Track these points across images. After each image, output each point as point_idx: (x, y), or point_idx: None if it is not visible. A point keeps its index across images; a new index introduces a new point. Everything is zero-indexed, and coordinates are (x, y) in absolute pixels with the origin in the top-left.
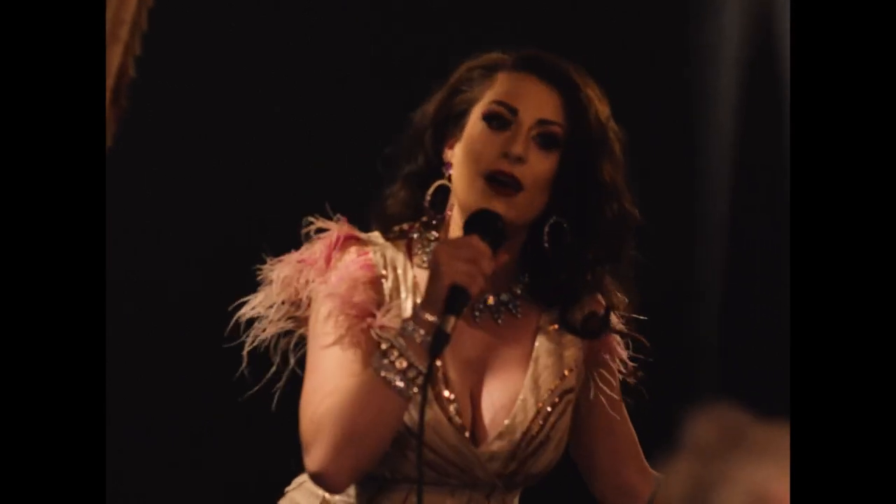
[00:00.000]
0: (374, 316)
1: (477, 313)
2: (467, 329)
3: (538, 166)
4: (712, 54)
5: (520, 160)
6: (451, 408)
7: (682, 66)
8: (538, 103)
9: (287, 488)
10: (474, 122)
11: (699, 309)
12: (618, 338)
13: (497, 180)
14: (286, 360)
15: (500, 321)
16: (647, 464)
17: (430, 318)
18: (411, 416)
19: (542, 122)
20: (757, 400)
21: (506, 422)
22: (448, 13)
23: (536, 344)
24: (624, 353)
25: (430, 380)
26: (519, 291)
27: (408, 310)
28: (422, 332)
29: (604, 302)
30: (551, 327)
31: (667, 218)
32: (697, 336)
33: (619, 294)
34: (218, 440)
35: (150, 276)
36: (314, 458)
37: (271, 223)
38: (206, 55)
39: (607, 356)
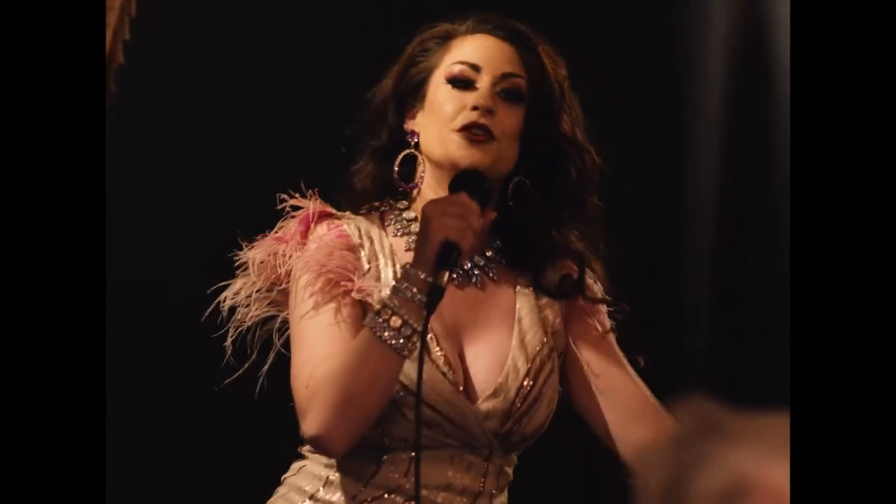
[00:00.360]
0: (352, 280)
1: (455, 277)
2: (448, 293)
3: (506, 120)
4: (701, 45)
5: (490, 112)
6: (443, 365)
7: (673, 57)
8: (499, 59)
9: (285, 476)
10: (437, 87)
11: (690, 303)
12: (598, 295)
13: (470, 130)
14: (269, 345)
15: (477, 285)
16: (665, 418)
17: (422, 275)
18: (407, 374)
19: (505, 76)
20: (753, 395)
21: (498, 380)
22: (449, 14)
23: (518, 305)
24: (605, 312)
25: (417, 331)
26: (492, 255)
27: (388, 275)
28: (414, 289)
29: (576, 266)
30: (528, 289)
31: (657, 209)
32: (690, 330)
33: (589, 252)
34: (217, 439)
35: (142, 270)
36: (312, 420)
37: (269, 217)
38: (197, 44)
39: (591, 320)
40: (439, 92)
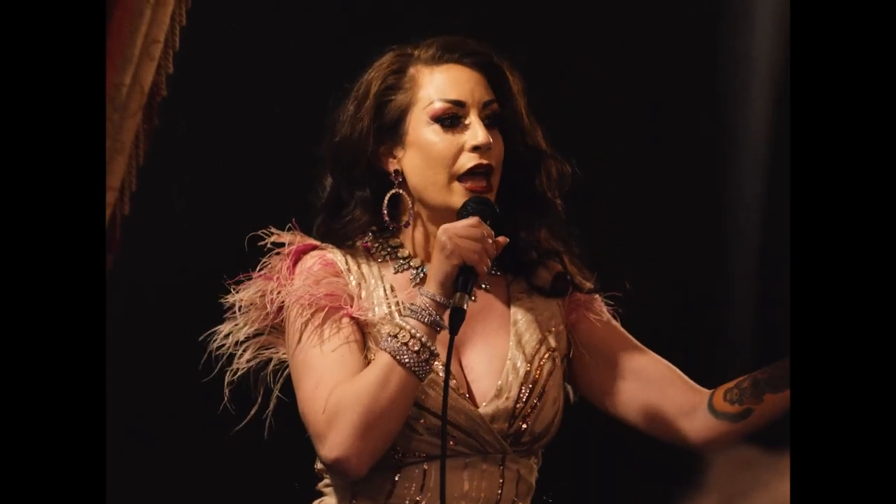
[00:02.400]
0: (344, 303)
1: (415, 282)
2: (376, 297)
3: (496, 147)
4: (744, 57)
5: (489, 147)
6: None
7: (715, 69)
8: (476, 89)
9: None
10: (420, 126)
11: (730, 313)
12: (589, 286)
13: (474, 174)
14: (269, 390)
15: (473, 297)
16: (691, 385)
17: (439, 298)
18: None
19: (486, 105)
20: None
21: (499, 382)
22: (451, 15)
23: (512, 310)
24: (600, 300)
25: (435, 354)
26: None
27: (380, 294)
28: (432, 312)
29: (559, 264)
30: (521, 294)
31: (698, 220)
32: (728, 339)
33: (567, 248)
34: (217, 440)
35: (155, 279)
36: (333, 444)
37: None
38: (236, 70)
39: (588, 313)
40: (426, 133)
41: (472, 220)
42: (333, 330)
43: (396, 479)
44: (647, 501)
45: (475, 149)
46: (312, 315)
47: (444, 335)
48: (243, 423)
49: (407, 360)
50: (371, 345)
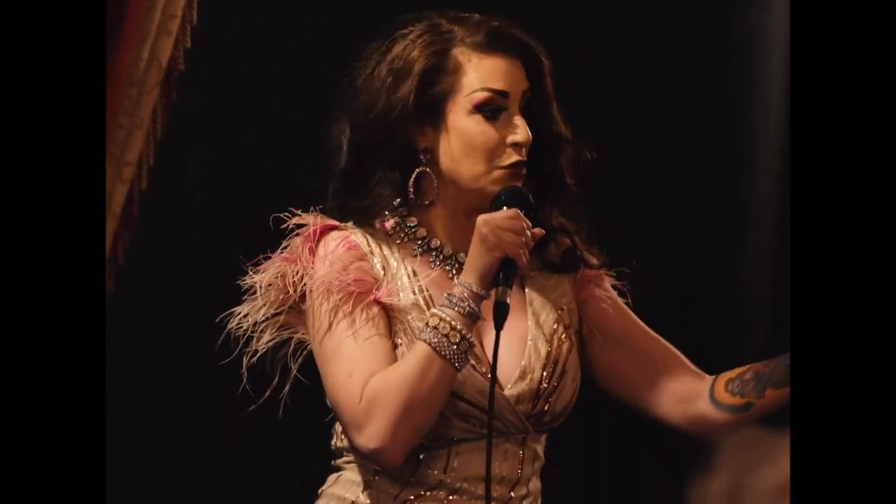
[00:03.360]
0: (373, 289)
1: (455, 266)
2: (402, 282)
3: (529, 135)
4: (760, 45)
5: (529, 144)
6: (472, 359)
7: (730, 55)
8: (519, 80)
9: (322, 488)
10: (461, 114)
11: (748, 299)
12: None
13: (515, 168)
14: (286, 370)
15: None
16: (694, 370)
17: (478, 289)
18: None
19: (523, 94)
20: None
21: (522, 363)
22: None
23: (526, 290)
24: (608, 280)
25: (473, 345)
26: None
27: (404, 279)
28: (471, 303)
29: (567, 241)
30: (532, 273)
31: (714, 210)
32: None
33: (578, 226)
34: (218, 441)
35: (158, 274)
36: (371, 434)
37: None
38: (253, 50)
39: (598, 289)
40: (467, 121)
41: (512, 212)
42: (364, 317)
43: (420, 459)
44: (655, 479)
45: (515, 145)
46: (342, 301)
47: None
48: (261, 400)
49: (446, 352)
50: (399, 330)
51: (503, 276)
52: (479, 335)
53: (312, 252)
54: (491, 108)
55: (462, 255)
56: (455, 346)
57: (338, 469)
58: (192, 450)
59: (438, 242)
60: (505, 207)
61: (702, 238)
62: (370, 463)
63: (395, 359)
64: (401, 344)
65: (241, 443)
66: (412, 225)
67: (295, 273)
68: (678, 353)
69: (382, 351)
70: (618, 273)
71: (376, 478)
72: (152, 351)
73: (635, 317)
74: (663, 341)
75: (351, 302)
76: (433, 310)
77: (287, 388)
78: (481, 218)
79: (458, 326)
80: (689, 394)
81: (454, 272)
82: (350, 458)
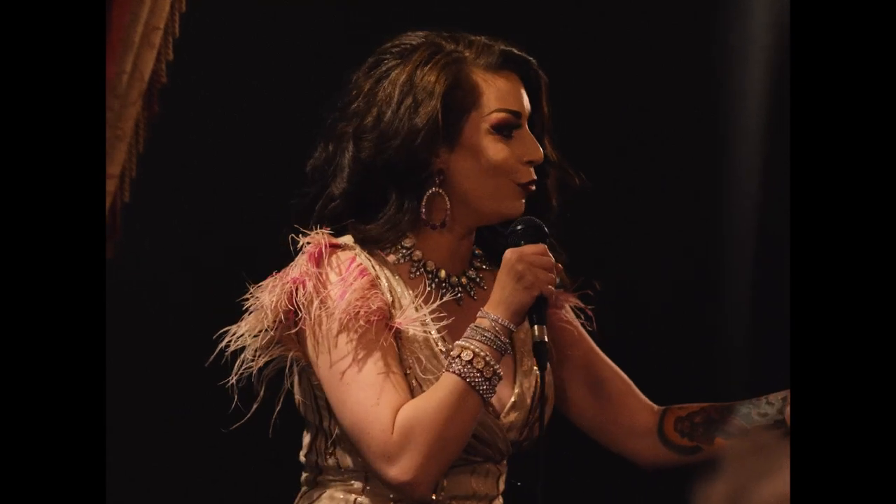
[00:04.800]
0: (388, 317)
1: (459, 294)
2: (457, 312)
3: (542, 153)
4: (741, 54)
5: (540, 162)
6: None
7: (713, 65)
8: (524, 100)
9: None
10: (480, 134)
11: (725, 308)
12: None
13: (528, 186)
14: (275, 388)
15: (474, 297)
16: (647, 401)
17: (509, 325)
18: None
19: (529, 114)
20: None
21: (515, 390)
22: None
23: None
24: (573, 299)
25: (501, 378)
26: (479, 264)
27: (412, 309)
28: (503, 338)
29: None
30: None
31: (695, 217)
32: (724, 335)
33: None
34: (218, 443)
35: (162, 278)
36: (406, 467)
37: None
38: (235, 61)
39: (560, 311)
40: (486, 140)
41: (541, 247)
42: (384, 345)
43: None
44: (659, 487)
45: (530, 162)
46: (363, 328)
47: (459, 334)
48: (247, 416)
49: (480, 386)
50: (407, 357)
51: (538, 314)
52: None
53: (322, 273)
54: (507, 128)
55: (455, 278)
56: (487, 381)
57: (313, 485)
58: (192, 450)
59: (433, 265)
60: (522, 242)
61: (683, 248)
62: (393, 491)
63: (409, 386)
64: (409, 371)
65: (235, 450)
66: (408, 246)
67: (304, 295)
68: (632, 384)
69: (403, 381)
70: (582, 295)
71: (364, 498)
72: (138, 363)
73: (594, 344)
74: (619, 371)
75: (373, 329)
76: (463, 342)
77: (279, 407)
78: (514, 253)
79: (491, 361)
80: (638, 428)
81: (451, 295)
82: (336, 476)
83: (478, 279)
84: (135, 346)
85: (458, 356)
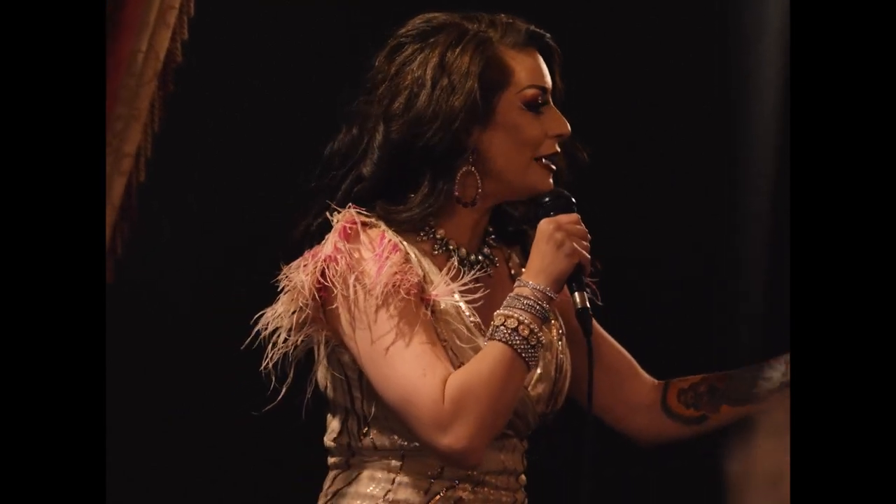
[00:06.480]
0: (425, 291)
1: (488, 270)
2: (486, 285)
3: (569, 127)
4: (753, 46)
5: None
6: None
7: (725, 50)
8: (546, 75)
9: (331, 488)
10: (511, 109)
11: (740, 310)
12: None
13: (552, 159)
14: (299, 369)
15: (490, 274)
16: (649, 377)
17: (551, 293)
18: None
19: (551, 90)
20: None
21: (541, 361)
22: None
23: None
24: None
25: (543, 346)
26: (492, 240)
27: (442, 283)
28: (546, 305)
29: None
30: (521, 268)
31: (705, 213)
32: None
33: None
34: (218, 443)
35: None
36: (460, 435)
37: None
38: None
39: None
40: (518, 116)
41: (575, 216)
42: (424, 317)
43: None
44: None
45: (559, 136)
46: (403, 302)
47: (486, 307)
48: (279, 397)
49: (526, 354)
50: (441, 329)
51: (577, 282)
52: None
53: (355, 250)
54: (537, 104)
55: (473, 256)
56: (532, 349)
57: (346, 467)
58: (192, 447)
59: (455, 244)
60: (552, 213)
61: (694, 239)
62: (442, 462)
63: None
64: (445, 344)
65: (235, 449)
66: (432, 225)
67: (338, 272)
68: (633, 361)
69: (444, 351)
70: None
71: (403, 475)
72: (151, 344)
73: (595, 321)
74: (620, 348)
75: (412, 304)
76: (505, 311)
77: (310, 389)
78: (551, 222)
79: (535, 329)
80: (642, 403)
81: (481, 270)
82: (372, 457)
83: (492, 256)
84: (135, 346)
85: (503, 325)
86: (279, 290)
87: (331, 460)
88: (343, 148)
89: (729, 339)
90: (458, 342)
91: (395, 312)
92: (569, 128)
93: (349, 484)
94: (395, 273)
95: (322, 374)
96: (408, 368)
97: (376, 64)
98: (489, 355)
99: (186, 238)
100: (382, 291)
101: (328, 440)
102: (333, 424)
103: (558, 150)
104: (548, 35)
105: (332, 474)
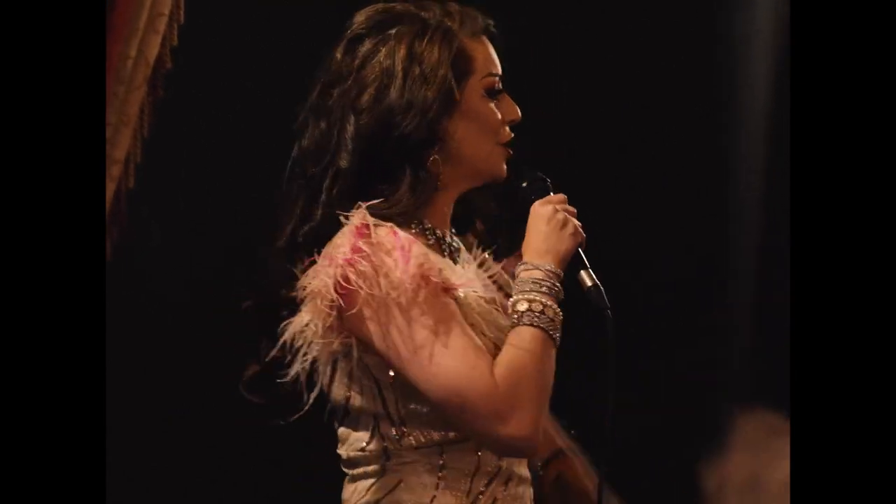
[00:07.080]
0: (451, 280)
1: (451, 253)
2: (474, 271)
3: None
4: (744, 49)
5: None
6: None
7: (716, 51)
8: (498, 62)
9: (367, 499)
10: (474, 96)
11: (731, 296)
12: None
13: (509, 144)
14: (317, 378)
15: (458, 257)
16: None
17: (560, 272)
18: None
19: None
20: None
21: None
22: None
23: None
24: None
25: None
26: (453, 230)
27: (456, 272)
28: (558, 285)
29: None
30: (477, 251)
31: (699, 205)
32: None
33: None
34: (218, 443)
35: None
36: (521, 422)
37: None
38: (240, 47)
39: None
40: (480, 103)
41: (563, 196)
42: (454, 307)
43: (479, 450)
44: (671, 458)
45: (512, 121)
46: (435, 293)
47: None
48: (307, 405)
49: (555, 334)
50: (467, 320)
51: (581, 260)
52: None
53: (375, 250)
54: (495, 91)
55: (455, 243)
56: (558, 330)
57: (381, 474)
58: (192, 450)
59: (440, 232)
60: (533, 196)
61: (687, 241)
62: (501, 453)
63: None
64: (474, 329)
65: (234, 450)
66: (419, 216)
67: (361, 274)
68: None
69: (479, 339)
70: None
71: (444, 476)
72: (144, 347)
73: None
74: None
75: (443, 294)
76: (524, 296)
77: (312, 392)
78: (548, 203)
79: (558, 311)
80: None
81: (454, 257)
82: (412, 458)
83: (458, 241)
84: (135, 345)
85: (529, 309)
86: (298, 301)
87: (357, 471)
88: (313, 144)
89: (723, 338)
90: (486, 330)
91: (429, 307)
92: (520, 113)
93: (390, 492)
94: (422, 264)
95: (341, 386)
96: (455, 363)
97: (337, 57)
98: (526, 340)
99: (176, 243)
100: (411, 287)
101: (351, 451)
102: (358, 434)
103: (512, 136)
104: (493, 22)
105: (361, 485)
